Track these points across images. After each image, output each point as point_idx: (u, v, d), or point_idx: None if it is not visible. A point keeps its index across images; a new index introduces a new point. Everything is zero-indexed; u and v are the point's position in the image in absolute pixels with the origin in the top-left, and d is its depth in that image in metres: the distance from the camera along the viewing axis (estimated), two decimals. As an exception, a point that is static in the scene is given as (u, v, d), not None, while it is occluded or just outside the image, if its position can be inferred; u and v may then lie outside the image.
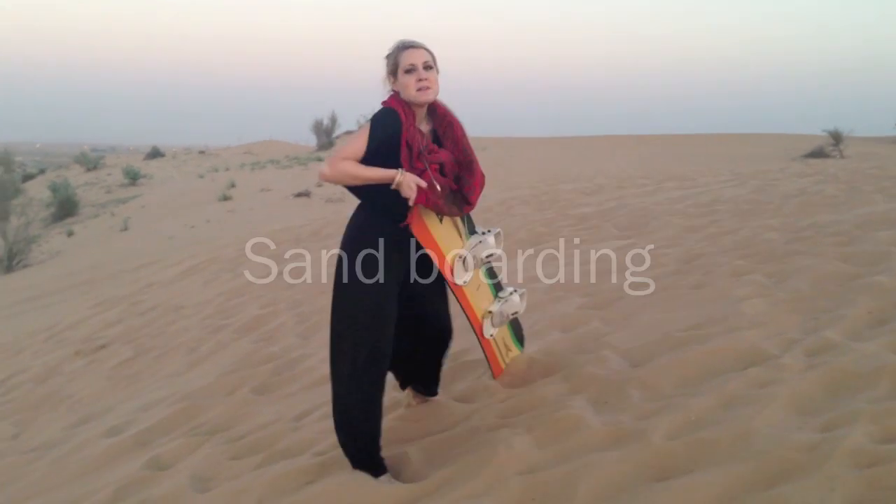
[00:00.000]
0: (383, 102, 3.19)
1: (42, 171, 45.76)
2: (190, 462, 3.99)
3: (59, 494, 4.13)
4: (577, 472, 2.82)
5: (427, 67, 3.09)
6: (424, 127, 3.26)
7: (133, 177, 33.37)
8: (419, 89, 3.08)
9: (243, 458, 3.89)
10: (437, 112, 3.29)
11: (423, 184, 3.11)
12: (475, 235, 3.58)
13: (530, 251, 7.22)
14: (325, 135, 41.15)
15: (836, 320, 3.74)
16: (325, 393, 4.38)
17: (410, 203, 3.11)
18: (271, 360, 5.47)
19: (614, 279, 5.55)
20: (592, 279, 5.70)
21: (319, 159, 32.70)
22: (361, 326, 3.19)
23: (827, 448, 2.51)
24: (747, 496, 2.41)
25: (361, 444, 3.26)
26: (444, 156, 3.27)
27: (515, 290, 3.85)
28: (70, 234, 22.91)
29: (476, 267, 3.56)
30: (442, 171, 3.29)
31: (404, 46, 3.10)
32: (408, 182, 3.07)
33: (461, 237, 3.53)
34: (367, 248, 3.19)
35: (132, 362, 6.67)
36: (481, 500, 2.83)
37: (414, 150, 3.13)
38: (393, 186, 3.09)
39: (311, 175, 26.26)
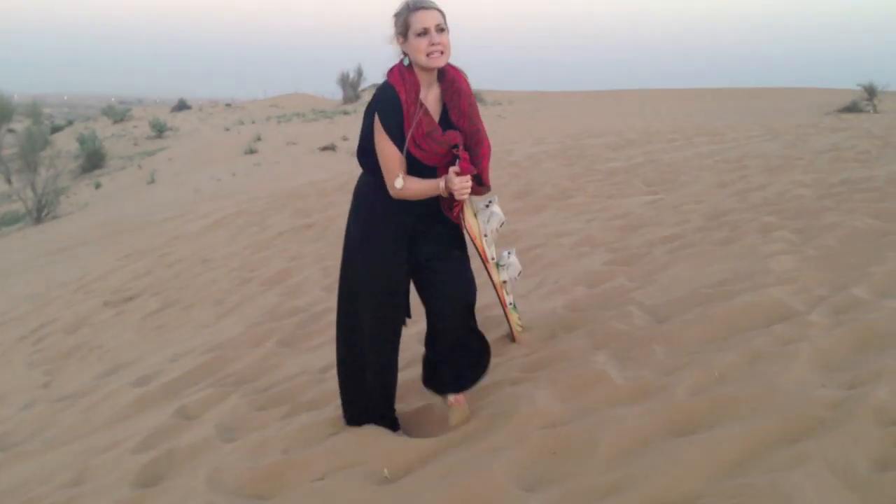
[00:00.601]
0: (387, 73, 3.04)
1: (70, 123, 46.07)
2: (217, 412, 4.05)
3: (90, 441, 4.22)
4: (598, 427, 2.82)
5: (440, 30, 2.91)
6: (433, 92, 3.08)
7: (160, 129, 33.49)
8: (430, 54, 2.90)
9: (269, 408, 3.95)
10: (446, 76, 3.08)
11: (468, 182, 3.04)
12: (482, 211, 3.58)
13: (556, 205, 7.17)
14: (352, 88, 40.90)
15: (864, 277, 3.69)
16: (350, 345, 4.42)
17: (463, 197, 3.09)
18: (297, 313, 5.51)
19: (641, 235, 5.51)
20: (619, 234, 5.66)
21: (345, 113, 32.63)
22: (370, 291, 3.23)
23: (851, 405, 2.49)
24: (770, 452, 2.41)
25: (371, 404, 3.37)
26: (454, 137, 3.09)
27: (508, 253, 3.89)
28: (98, 186, 23.12)
29: (494, 239, 3.62)
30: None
31: (416, 6, 2.90)
32: (458, 186, 3.01)
33: (472, 210, 3.54)
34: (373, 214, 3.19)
35: (160, 314, 6.76)
36: (504, 452, 2.86)
37: (417, 132, 3.00)
38: (444, 195, 3.07)
39: (336, 128, 26.21)
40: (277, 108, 42.54)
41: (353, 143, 19.87)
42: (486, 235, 3.48)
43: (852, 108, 21.64)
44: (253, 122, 33.40)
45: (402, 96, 2.95)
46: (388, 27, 3.01)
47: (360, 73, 41.45)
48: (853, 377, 2.74)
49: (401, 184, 2.99)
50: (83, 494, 3.52)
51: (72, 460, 4.00)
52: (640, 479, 2.45)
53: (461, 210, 3.25)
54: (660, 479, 2.41)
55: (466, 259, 3.31)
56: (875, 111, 21.14)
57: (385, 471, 3.04)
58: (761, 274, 4.01)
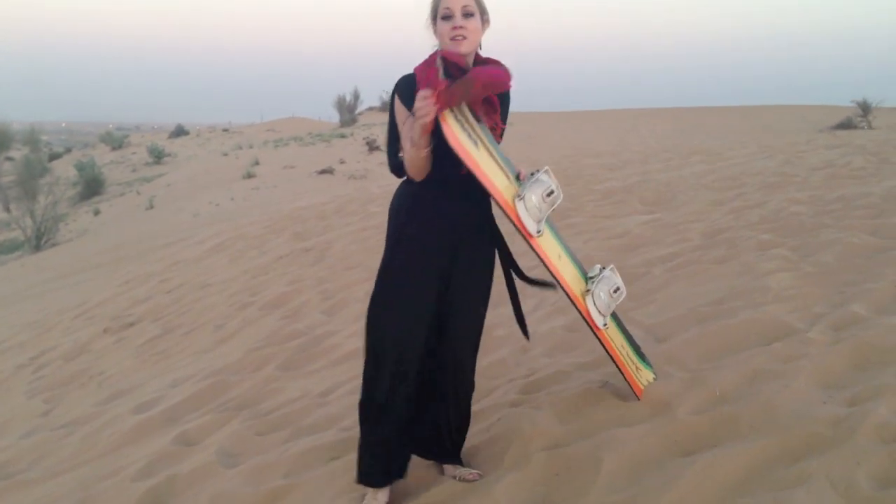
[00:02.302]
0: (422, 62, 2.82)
1: (68, 150, 46.20)
2: (218, 437, 4.04)
3: (90, 469, 4.20)
4: (600, 447, 2.82)
5: (467, 14, 2.72)
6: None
7: (158, 155, 33.59)
8: (452, 38, 2.73)
9: (270, 433, 3.94)
10: (480, 66, 2.81)
11: (426, 98, 2.61)
12: (527, 178, 2.92)
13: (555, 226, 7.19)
14: (348, 111, 41.09)
15: (862, 294, 3.70)
16: (350, 369, 4.43)
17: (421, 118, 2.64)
18: (297, 337, 5.51)
19: (639, 254, 5.52)
20: (617, 254, 5.68)
21: (342, 136, 32.71)
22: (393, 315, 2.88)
23: (853, 422, 2.50)
24: (772, 470, 2.41)
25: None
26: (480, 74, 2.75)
27: (604, 267, 3.19)
28: (97, 212, 23.15)
29: (541, 216, 2.98)
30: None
31: None
32: (416, 105, 2.62)
33: (505, 174, 2.88)
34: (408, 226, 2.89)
35: (160, 339, 6.75)
36: (506, 475, 2.85)
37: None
38: (414, 133, 2.69)
39: (334, 152, 26.29)
40: (274, 133, 42.68)
41: (350, 165, 19.95)
42: (521, 196, 2.86)
43: (847, 125, 21.73)
44: (250, 147, 33.49)
45: (419, 76, 2.76)
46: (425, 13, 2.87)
47: (356, 97, 41.64)
48: (854, 394, 2.74)
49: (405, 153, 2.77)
50: (84, 523, 3.51)
51: (73, 488, 3.99)
52: (643, 500, 2.45)
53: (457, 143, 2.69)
54: (663, 499, 2.41)
55: (483, 315, 3.12)
56: (870, 127, 21.23)
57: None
58: (760, 292, 4.02)
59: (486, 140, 2.81)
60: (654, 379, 3.29)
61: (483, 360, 4.11)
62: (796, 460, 2.42)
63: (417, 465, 3.15)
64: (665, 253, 5.37)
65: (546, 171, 2.94)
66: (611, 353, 3.13)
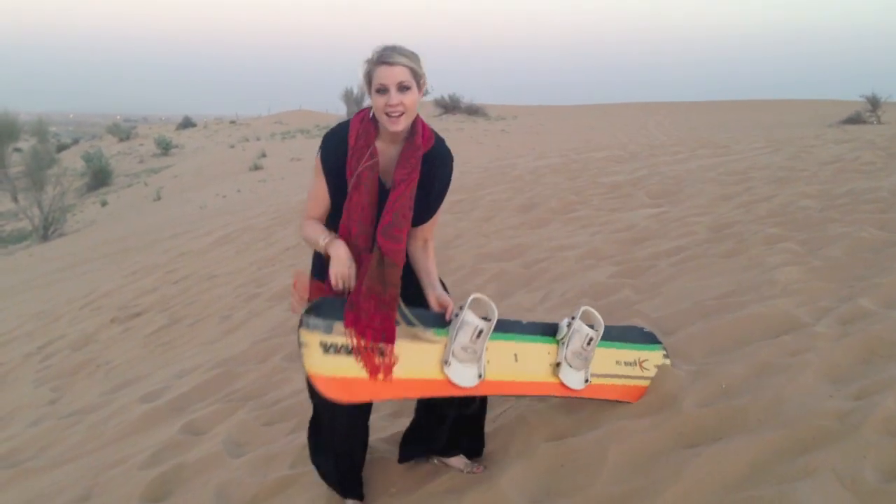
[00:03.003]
0: (356, 113, 2.77)
1: (76, 142, 46.34)
2: (224, 427, 4.06)
3: (98, 458, 4.23)
4: (606, 439, 2.83)
5: (403, 88, 2.55)
6: (394, 149, 2.71)
7: (165, 147, 33.67)
8: (388, 115, 2.57)
9: (276, 423, 3.95)
10: (413, 141, 2.68)
11: (345, 267, 2.58)
12: (452, 323, 2.70)
13: (561, 219, 7.19)
14: (355, 104, 41.06)
15: (870, 288, 3.69)
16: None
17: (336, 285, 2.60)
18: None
19: (646, 247, 5.51)
20: (624, 247, 5.67)
21: (349, 128, 32.67)
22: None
23: (859, 416, 2.49)
24: (778, 463, 2.41)
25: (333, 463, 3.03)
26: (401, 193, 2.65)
27: (572, 318, 3.00)
28: (104, 203, 23.23)
29: (478, 354, 2.72)
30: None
31: (379, 60, 2.54)
32: (336, 257, 2.59)
33: (429, 341, 2.68)
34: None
35: (167, 330, 6.78)
36: (511, 465, 2.86)
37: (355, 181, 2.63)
38: (323, 252, 2.68)
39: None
40: (282, 125, 42.73)
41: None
42: (447, 364, 2.65)
43: (856, 120, 21.67)
44: (258, 139, 33.55)
45: (352, 141, 2.66)
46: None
47: (363, 90, 41.65)
48: (861, 388, 2.74)
49: (306, 226, 2.75)
50: (92, 510, 3.54)
51: (80, 476, 4.01)
52: (648, 492, 2.45)
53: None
54: (668, 492, 2.41)
55: None
56: (879, 122, 21.15)
57: (392, 488, 3.04)
58: (767, 285, 4.01)
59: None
60: (666, 355, 3.27)
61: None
62: (802, 453, 2.42)
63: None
64: (671, 246, 5.36)
65: (471, 306, 2.70)
66: (597, 397, 3.04)
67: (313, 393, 2.89)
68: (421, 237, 2.86)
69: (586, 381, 2.99)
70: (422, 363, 2.65)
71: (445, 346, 2.67)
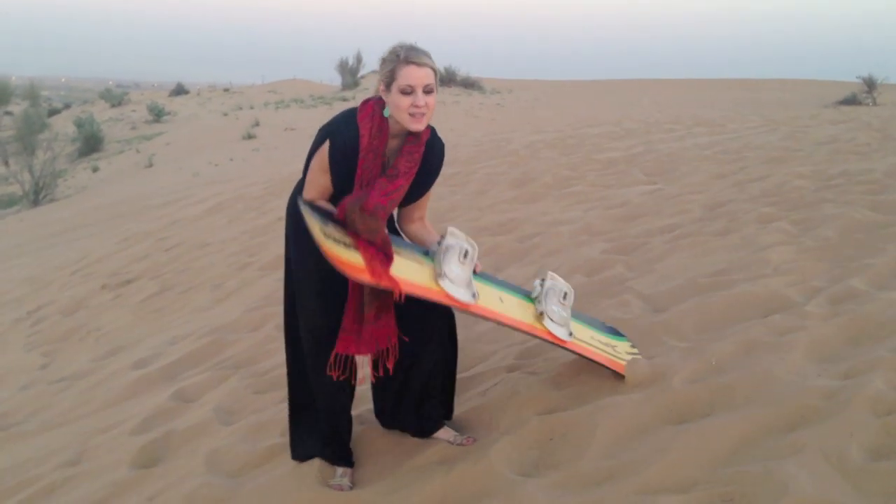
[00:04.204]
0: (361, 104, 2.73)
1: (67, 106, 45.91)
2: (215, 395, 4.07)
3: (88, 423, 4.24)
4: (595, 414, 2.84)
5: (428, 91, 2.57)
6: (396, 142, 2.72)
7: (157, 113, 33.38)
8: (412, 115, 2.57)
9: (267, 392, 3.96)
10: (418, 134, 2.69)
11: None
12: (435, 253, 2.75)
13: (555, 194, 7.18)
14: (351, 75, 40.75)
15: (862, 269, 3.71)
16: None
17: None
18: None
19: (639, 224, 5.52)
20: (617, 224, 5.67)
21: (344, 99, 32.49)
22: (308, 307, 2.89)
23: (847, 395, 2.51)
24: (765, 440, 2.43)
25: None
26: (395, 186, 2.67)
27: (541, 280, 3.07)
28: (95, 169, 23.07)
29: (467, 278, 2.75)
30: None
31: (407, 59, 2.53)
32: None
33: (417, 261, 2.73)
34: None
35: (158, 297, 6.77)
36: (501, 438, 2.88)
37: (365, 179, 2.65)
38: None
39: (335, 115, 26.13)
40: (276, 94, 42.39)
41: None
42: (441, 276, 2.68)
43: (852, 101, 21.66)
44: (251, 108, 33.29)
45: (364, 141, 2.65)
46: (375, 65, 2.68)
47: (359, 60, 41.27)
48: (849, 367, 2.76)
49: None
50: (81, 474, 3.55)
51: (70, 441, 4.02)
52: (636, 466, 2.47)
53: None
54: (656, 466, 2.43)
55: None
56: (874, 104, 21.14)
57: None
58: (759, 264, 4.02)
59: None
60: (633, 346, 3.29)
61: (481, 326, 4.14)
62: (790, 431, 2.44)
63: (413, 427, 3.18)
64: (665, 224, 5.37)
65: (452, 233, 2.75)
66: (585, 355, 3.06)
67: (293, 361, 3.05)
68: (417, 217, 2.90)
69: (570, 334, 3.01)
70: (419, 274, 2.68)
71: (434, 268, 2.71)
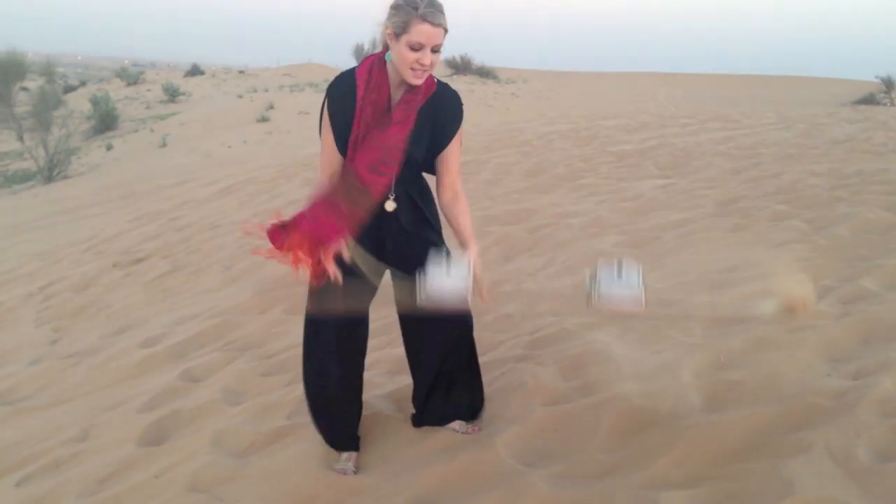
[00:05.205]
0: (364, 58, 2.71)
1: (83, 84, 46.05)
2: (222, 376, 4.08)
3: (96, 399, 4.26)
4: (601, 405, 2.84)
5: (435, 50, 2.52)
6: (399, 93, 2.67)
7: (172, 94, 33.43)
8: (414, 70, 2.53)
9: (274, 375, 3.97)
10: (418, 90, 2.65)
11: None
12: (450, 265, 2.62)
13: (568, 186, 7.16)
14: (366, 59, 40.73)
15: (874, 269, 3.69)
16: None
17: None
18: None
19: (651, 218, 5.50)
20: (629, 217, 5.65)
21: (358, 84, 32.41)
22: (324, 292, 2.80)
23: (855, 395, 2.50)
24: (772, 438, 2.42)
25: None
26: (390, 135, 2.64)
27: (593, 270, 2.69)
28: (109, 147, 23.13)
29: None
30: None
31: (424, 16, 2.44)
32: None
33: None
34: None
35: (168, 276, 6.79)
36: (506, 427, 2.88)
37: (361, 132, 2.63)
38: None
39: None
40: (291, 77, 42.41)
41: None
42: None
43: (869, 100, 21.50)
44: (266, 91, 33.31)
45: (361, 92, 2.62)
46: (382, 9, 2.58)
47: (374, 45, 41.26)
48: (859, 368, 2.74)
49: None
50: (88, 450, 3.57)
51: (77, 417, 4.04)
52: (641, 459, 2.47)
53: None
54: (661, 461, 2.43)
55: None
56: (892, 104, 20.98)
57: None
58: (771, 262, 4.00)
59: None
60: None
61: (489, 315, 4.13)
62: (797, 429, 2.43)
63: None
64: (678, 218, 5.34)
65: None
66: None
67: (308, 343, 2.96)
68: (448, 183, 2.81)
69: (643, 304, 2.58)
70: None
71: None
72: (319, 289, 2.80)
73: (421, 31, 2.46)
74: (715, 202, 5.66)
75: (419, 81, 2.58)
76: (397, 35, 2.51)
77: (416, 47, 2.48)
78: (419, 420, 3.12)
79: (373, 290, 2.85)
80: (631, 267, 2.60)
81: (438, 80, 2.75)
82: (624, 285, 2.57)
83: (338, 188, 2.62)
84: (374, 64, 2.66)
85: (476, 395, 3.10)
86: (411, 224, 2.80)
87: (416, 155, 2.70)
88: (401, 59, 2.53)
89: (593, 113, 16.86)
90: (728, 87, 32.01)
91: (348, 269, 2.65)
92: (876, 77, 24.17)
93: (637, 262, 2.61)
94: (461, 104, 2.81)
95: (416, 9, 2.45)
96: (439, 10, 2.48)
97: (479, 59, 40.79)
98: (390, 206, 2.73)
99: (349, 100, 2.63)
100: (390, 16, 2.52)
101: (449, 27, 2.53)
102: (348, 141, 2.65)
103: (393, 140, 2.64)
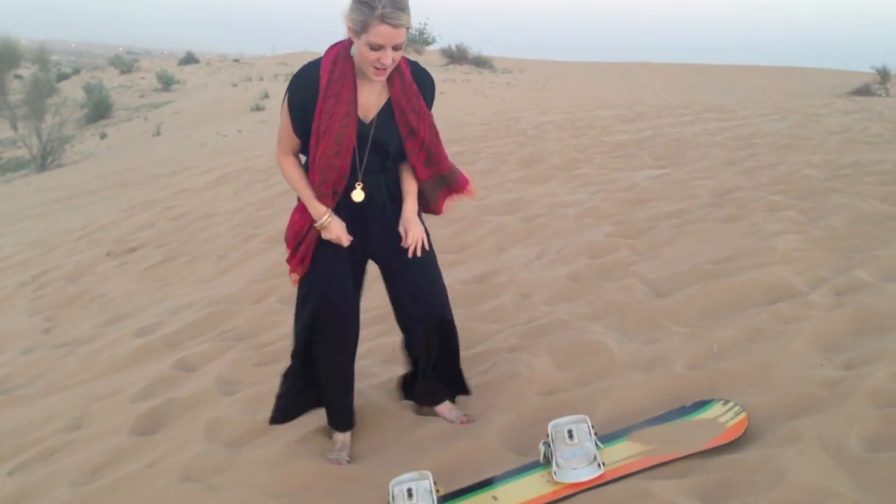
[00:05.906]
0: (327, 49, 2.68)
1: (77, 72, 45.86)
2: (216, 365, 4.07)
3: (90, 388, 4.25)
4: (595, 395, 2.85)
5: (396, 48, 2.47)
6: (375, 85, 2.68)
7: (167, 82, 33.32)
8: (375, 68, 2.51)
9: (268, 364, 3.97)
10: (404, 77, 2.69)
11: (346, 241, 2.76)
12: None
13: (563, 176, 7.15)
14: (360, 49, 40.63)
15: (868, 260, 3.69)
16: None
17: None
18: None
19: (646, 208, 5.49)
20: (624, 207, 5.65)
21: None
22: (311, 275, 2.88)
23: (848, 386, 2.50)
24: (765, 427, 2.43)
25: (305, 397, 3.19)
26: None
27: (546, 438, 2.55)
28: (103, 136, 23.07)
29: None
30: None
31: (384, 18, 2.37)
32: (332, 231, 2.74)
33: None
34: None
35: (162, 266, 6.77)
36: (499, 416, 2.88)
37: (323, 124, 2.61)
38: (315, 226, 2.75)
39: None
40: (286, 66, 42.22)
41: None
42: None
43: (865, 91, 21.51)
44: (261, 79, 33.21)
45: (323, 82, 2.59)
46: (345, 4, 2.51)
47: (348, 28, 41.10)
48: (852, 358, 2.75)
49: (288, 164, 2.80)
50: (81, 439, 3.57)
51: (71, 406, 4.04)
52: (634, 449, 2.47)
53: None
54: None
55: (434, 260, 2.96)
56: (888, 94, 21.00)
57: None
58: (765, 252, 4.00)
59: None
60: (724, 403, 2.60)
61: (484, 305, 4.14)
62: (789, 419, 2.44)
63: (409, 405, 3.19)
64: (672, 209, 5.34)
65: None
66: (647, 466, 2.41)
67: (300, 330, 3.05)
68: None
69: (601, 465, 2.42)
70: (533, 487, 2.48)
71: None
72: (305, 271, 2.88)
73: (379, 33, 2.41)
74: (710, 192, 5.66)
75: (380, 79, 2.58)
76: (357, 33, 2.48)
77: (375, 47, 2.45)
78: (409, 393, 3.22)
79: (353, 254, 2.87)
80: (580, 426, 2.52)
81: (410, 61, 2.75)
82: (577, 448, 2.48)
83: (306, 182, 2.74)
84: (339, 54, 2.63)
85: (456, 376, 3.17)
86: (392, 213, 2.87)
87: (385, 143, 2.73)
88: (361, 57, 2.52)
89: (590, 103, 16.83)
90: (723, 77, 31.99)
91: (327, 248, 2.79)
92: (871, 68, 24.19)
93: (584, 418, 2.55)
94: (433, 80, 2.82)
95: (374, 9, 2.38)
96: (400, 7, 2.40)
97: (474, 49, 40.71)
98: (358, 195, 2.76)
99: (310, 93, 2.62)
100: (351, 10, 2.47)
101: (411, 25, 2.49)
102: (310, 131, 2.64)
103: (428, 138, 2.73)
